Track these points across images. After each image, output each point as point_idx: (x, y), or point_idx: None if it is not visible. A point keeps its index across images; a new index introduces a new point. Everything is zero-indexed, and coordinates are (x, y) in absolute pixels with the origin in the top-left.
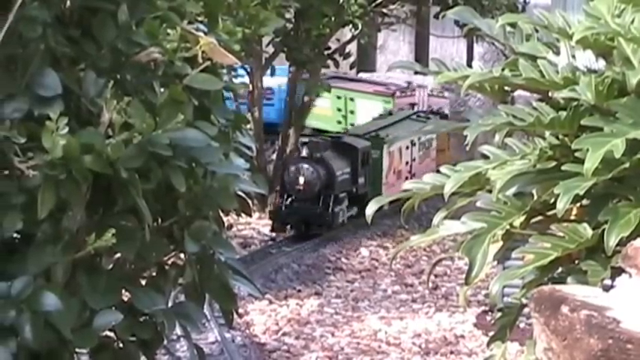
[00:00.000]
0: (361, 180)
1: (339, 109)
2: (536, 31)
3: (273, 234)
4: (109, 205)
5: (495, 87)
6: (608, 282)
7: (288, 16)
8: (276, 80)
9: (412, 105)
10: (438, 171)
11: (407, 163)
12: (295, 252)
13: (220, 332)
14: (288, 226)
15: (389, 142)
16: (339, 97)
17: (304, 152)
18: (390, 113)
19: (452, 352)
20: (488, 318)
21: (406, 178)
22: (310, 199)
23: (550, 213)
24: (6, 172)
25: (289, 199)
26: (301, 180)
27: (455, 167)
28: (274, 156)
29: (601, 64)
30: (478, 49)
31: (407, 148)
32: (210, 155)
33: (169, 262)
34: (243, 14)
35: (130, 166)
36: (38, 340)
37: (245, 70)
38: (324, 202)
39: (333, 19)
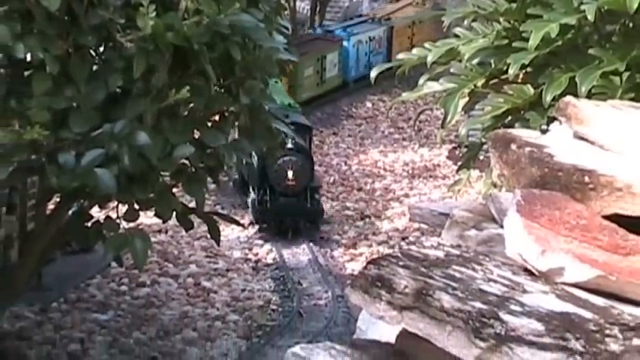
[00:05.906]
0: None
1: None
2: None
3: None
4: (185, 69)
5: None
6: (544, 127)
7: None
8: None
9: None
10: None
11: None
12: (316, 105)
13: None
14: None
15: None
16: None
17: (290, 143)
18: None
19: (431, 177)
20: (457, 152)
21: None
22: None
23: (504, 77)
24: (110, 45)
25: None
26: (290, 174)
27: (435, 44)
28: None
29: None
30: None
31: None
32: (258, 33)
33: (228, 110)
34: None
35: (200, 41)
36: (133, 166)
37: None
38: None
39: None
